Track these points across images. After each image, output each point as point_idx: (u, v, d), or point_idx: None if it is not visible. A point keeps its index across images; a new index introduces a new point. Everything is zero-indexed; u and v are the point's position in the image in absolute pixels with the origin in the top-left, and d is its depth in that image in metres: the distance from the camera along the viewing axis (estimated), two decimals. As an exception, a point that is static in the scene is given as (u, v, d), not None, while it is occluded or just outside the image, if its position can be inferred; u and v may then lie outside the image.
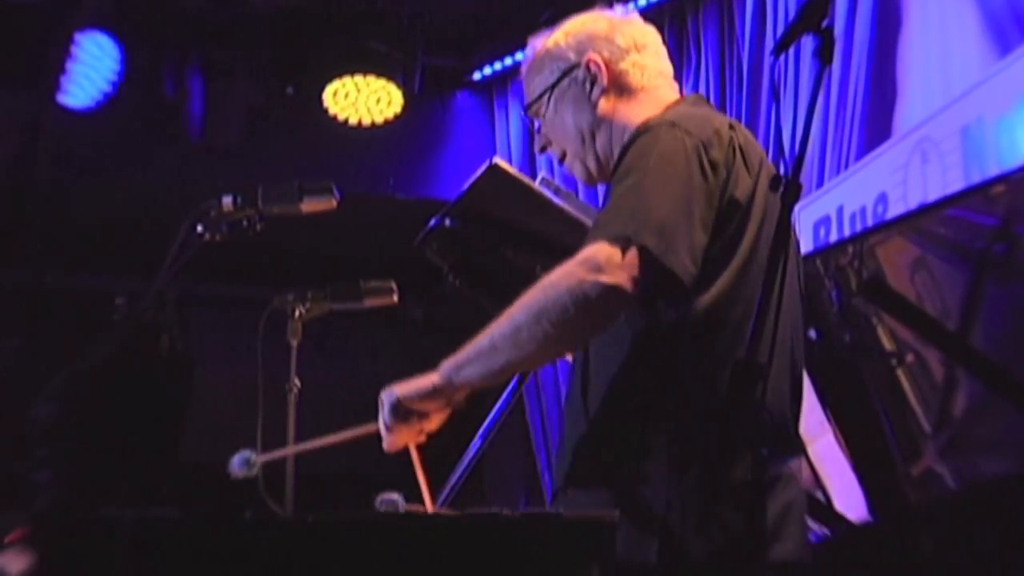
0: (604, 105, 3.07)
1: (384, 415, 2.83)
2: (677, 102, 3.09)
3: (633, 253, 2.63)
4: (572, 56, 3.12)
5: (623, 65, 3.10)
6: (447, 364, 2.78)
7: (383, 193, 7.65)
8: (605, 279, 2.62)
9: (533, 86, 3.19)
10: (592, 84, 3.08)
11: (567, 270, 2.65)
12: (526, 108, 3.21)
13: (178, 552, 2.36)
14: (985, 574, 3.26)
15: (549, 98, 3.13)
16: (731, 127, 2.87)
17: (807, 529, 2.95)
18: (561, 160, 3.19)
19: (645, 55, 3.14)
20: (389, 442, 2.88)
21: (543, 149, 3.22)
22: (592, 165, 3.12)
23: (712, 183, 2.76)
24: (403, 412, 2.83)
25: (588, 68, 3.09)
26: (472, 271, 3.52)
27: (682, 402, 2.72)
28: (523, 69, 3.26)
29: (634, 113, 3.05)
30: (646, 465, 2.70)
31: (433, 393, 2.80)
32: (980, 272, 3.35)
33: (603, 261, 2.63)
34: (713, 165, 2.77)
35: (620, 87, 3.09)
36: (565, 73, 3.11)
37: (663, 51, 3.20)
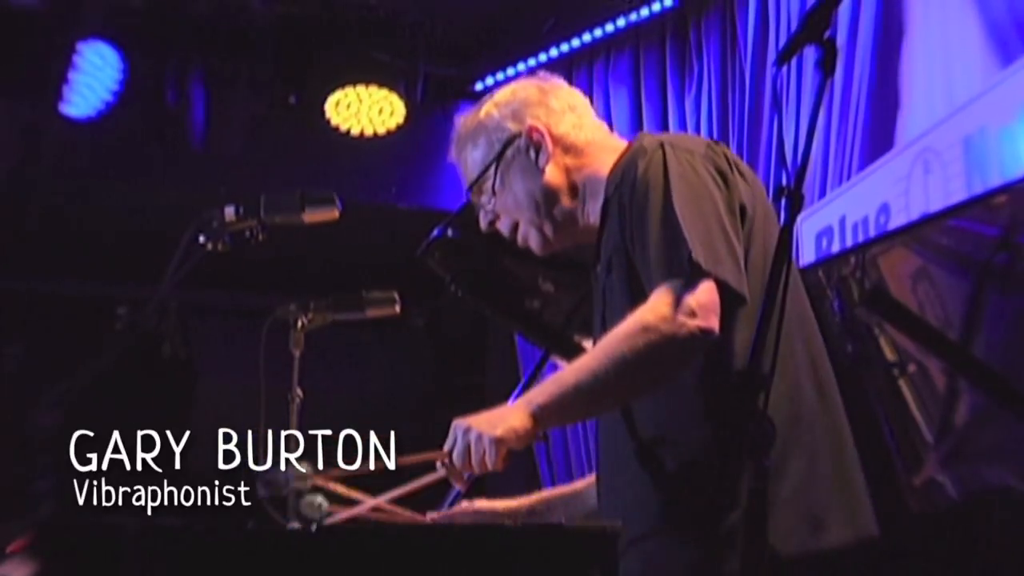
0: (554, 169, 3.05)
1: (492, 461, 2.70)
2: (631, 144, 3.05)
3: (711, 287, 2.63)
4: (511, 126, 3.08)
5: (563, 128, 3.08)
6: (540, 405, 2.72)
7: (385, 203, 7.65)
8: (701, 323, 2.61)
9: (471, 162, 3.15)
10: (537, 151, 3.05)
11: (664, 314, 2.62)
12: (470, 186, 3.16)
13: (181, 562, 2.36)
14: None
15: (495, 171, 3.08)
16: (715, 142, 2.91)
17: None
18: (512, 232, 3.12)
19: (580, 114, 3.13)
20: (468, 475, 2.79)
21: (491, 224, 3.15)
22: (549, 231, 3.08)
23: (725, 193, 2.77)
24: (507, 456, 2.72)
25: (531, 136, 3.06)
26: (474, 281, 3.53)
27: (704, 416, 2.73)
28: (453, 148, 3.20)
29: (592, 166, 3.05)
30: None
31: (532, 436, 2.73)
32: (982, 282, 3.35)
33: (694, 304, 2.61)
34: (722, 175, 2.79)
35: (566, 148, 3.06)
36: (507, 144, 3.08)
37: (591, 109, 3.19)
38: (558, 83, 3.20)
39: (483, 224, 3.17)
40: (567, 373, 2.74)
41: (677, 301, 2.62)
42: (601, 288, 2.95)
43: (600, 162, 3.04)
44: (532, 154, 3.05)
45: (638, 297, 2.74)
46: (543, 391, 2.75)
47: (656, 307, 2.65)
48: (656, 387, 2.76)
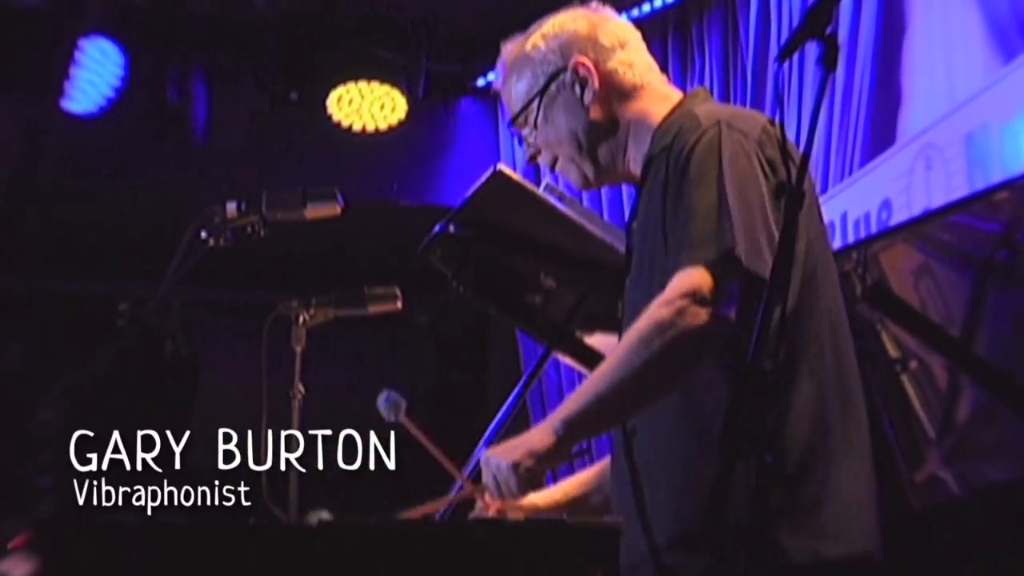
0: (600, 108, 2.97)
1: (513, 487, 2.66)
2: (686, 98, 2.99)
3: (732, 272, 2.58)
4: (557, 60, 3.01)
5: (611, 65, 2.99)
6: (562, 419, 2.65)
7: (387, 199, 7.65)
8: (716, 311, 2.56)
9: (516, 94, 3.08)
10: (583, 88, 2.97)
11: (677, 307, 2.57)
12: (513, 118, 3.09)
13: (182, 558, 2.36)
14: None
15: (539, 105, 3.02)
16: (771, 123, 2.82)
17: None
18: (552, 166, 3.07)
19: (630, 51, 3.04)
20: (514, 508, 2.72)
21: (533, 158, 3.09)
22: (589, 170, 3.02)
23: (772, 183, 2.70)
24: (533, 478, 2.68)
25: (577, 71, 2.98)
26: (476, 277, 3.52)
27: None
28: (499, 77, 3.14)
29: (639, 111, 2.97)
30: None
31: (557, 453, 2.67)
32: (983, 279, 3.36)
33: (708, 291, 2.56)
34: (771, 164, 2.71)
35: (613, 88, 2.98)
36: (552, 78, 3.00)
37: (643, 45, 3.10)
38: (609, 15, 3.11)
39: (526, 156, 3.12)
40: (589, 382, 2.69)
41: (695, 289, 2.58)
42: (638, 256, 2.88)
43: (648, 109, 2.97)
44: (577, 90, 2.98)
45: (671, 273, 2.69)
46: (567, 404, 2.69)
47: (671, 299, 2.59)
48: (682, 381, 2.71)
